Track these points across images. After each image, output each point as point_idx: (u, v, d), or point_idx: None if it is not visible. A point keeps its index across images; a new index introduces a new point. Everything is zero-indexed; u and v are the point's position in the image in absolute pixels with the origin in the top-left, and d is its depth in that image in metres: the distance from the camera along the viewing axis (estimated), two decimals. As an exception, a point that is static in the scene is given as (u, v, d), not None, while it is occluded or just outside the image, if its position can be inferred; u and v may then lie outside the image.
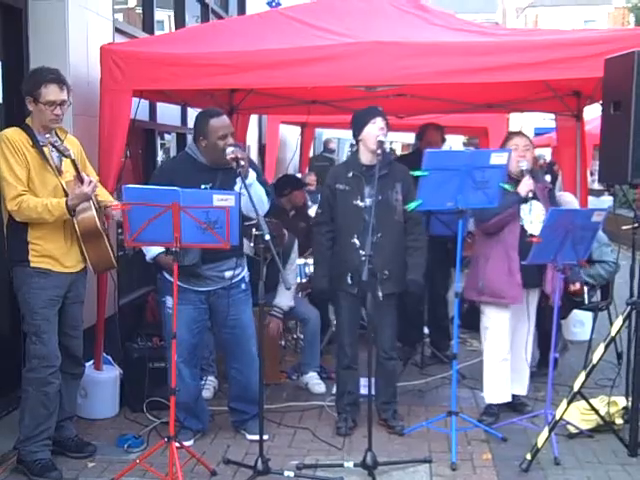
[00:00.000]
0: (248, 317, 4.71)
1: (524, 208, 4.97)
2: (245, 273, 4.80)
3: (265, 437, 4.46)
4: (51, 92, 4.16)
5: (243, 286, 4.77)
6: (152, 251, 4.58)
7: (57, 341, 4.28)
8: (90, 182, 4.16)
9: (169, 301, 4.53)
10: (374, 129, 4.80)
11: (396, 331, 5.06)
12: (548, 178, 9.21)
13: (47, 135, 4.13)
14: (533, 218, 4.97)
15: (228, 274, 4.66)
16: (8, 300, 5.01)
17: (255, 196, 4.39)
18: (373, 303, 4.39)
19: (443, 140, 6.83)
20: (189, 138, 8.64)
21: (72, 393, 4.60)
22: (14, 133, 4.17)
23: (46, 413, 4.26)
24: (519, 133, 5.31)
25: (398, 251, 4.90)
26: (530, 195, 4.89)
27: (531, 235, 4.87)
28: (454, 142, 18.47)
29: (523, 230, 4.96)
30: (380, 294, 4.66)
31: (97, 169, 4.82)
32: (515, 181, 4.94)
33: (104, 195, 4.55)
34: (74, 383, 4.60)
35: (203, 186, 4.50)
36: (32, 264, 4.19)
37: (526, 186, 4.89)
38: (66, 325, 4.38)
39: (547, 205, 4.97)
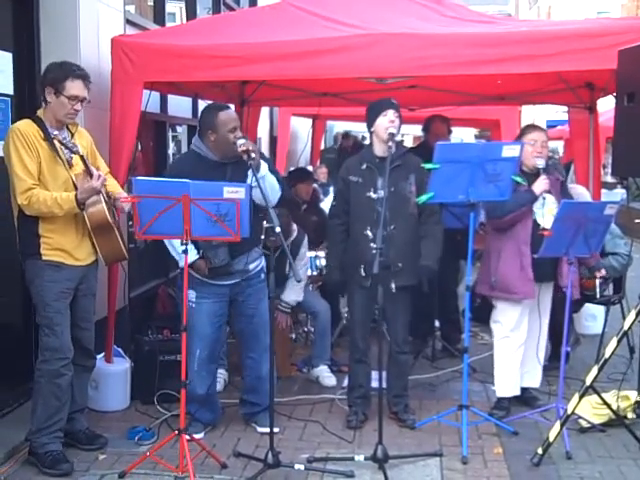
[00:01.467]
0: (265, 307, 4.65)
1: (537, 202, 4.93)
2: (263, 263, 4.82)
3: (276, 430, 4.48)
4: (76, 87, 4.18)
5: (262, 276, 4.78)
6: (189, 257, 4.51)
7: (70, 333, 4.28)
8: (99, 176, 4.15)
9: (191, 294, 4.62)
10: (384, 121, 4.78)
11: (409, 325, 5.05)
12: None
13: (55, 132, 4.11)
14: (545, 212, 4.93)
15: (252, 266, 4.71)
16: (20, 293, 5.03)
17: (268, 188, 4.41)
18: (385, 296, 4.37)
19: (449, 132, 6.80)
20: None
21: (83, 385, 4.61)
22: (26, 126, 4.16)
23: (58, 405, 4.27)
24: (538, 127, 5.21)
25: (412, 243, 4.87)
26: (544, 195, 4.87)
27: (543, 229, 4.84)
28: (466, 134, 18.38)
29: (536, 224, 4.93)
30: (393, 286, 4.66)
31: (108, 161, 4.81)
32: (527, 175, 4.91)
33: (114, 187, 4.55)
34: (85, 375, 4.61)
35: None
36: (44, 257, 4.19)
37: (542, 185, 4.85)
38: (78, 317, 4.38)
39: (559, 198, 4.94)
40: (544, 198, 4.92)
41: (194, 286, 4.63)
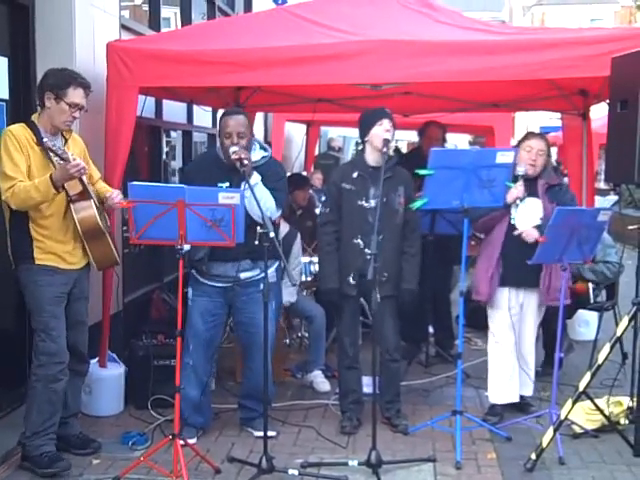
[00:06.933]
0: (262, 317, 4.45)
1: (513, 207, 4.92)
2: (269, 273, 4.54)
3: (273, 433, 4.46)
4: (78, 95, 4.19)
5: (261, 286, 4.39)
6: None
7: (65, 338, 4.28)
8: (77, 164, 4.05)
9: (189, 292, 4.75)
10: (380, 131, 4.79)
11: (399, 332, 5.05)
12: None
13: (45, 139, 4.08)
14: (523, 215, 4.90)
15: (243, 275, 4.67)
16: (13, 297, 5.01)
17: (258, 197, 4.39)
18: (377, 303, 4.38)
19: (444, 140, 6.83)
20: (195, 135, 8.66)
21: (76, 390, 4.61)
22: (20, 129, 4.15)
23: (52, 409, 4.27)
24: (537, 135, 5.18)
25: (397, 254, 4.90)
26: (518, 202, 4.86)
27: (515, 228, 4.84)
28: (460, 141, 18.42)
29: (511, 226, 4.93)
30: (378, 296, 4.63)
31: (103, 166, 4.81)
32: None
33: (103, 187, 4.54)
34: (79, 381, 4.60)
35: (220, 184, 4.50)
36: (37, 261, 4.19)
37: (514, 193, 4.83)
38: (72, 321, 4.37)
39: (545, 200, 4.94)
40: (520, 203, 4.88)
41: (191, 283, 4.76)
